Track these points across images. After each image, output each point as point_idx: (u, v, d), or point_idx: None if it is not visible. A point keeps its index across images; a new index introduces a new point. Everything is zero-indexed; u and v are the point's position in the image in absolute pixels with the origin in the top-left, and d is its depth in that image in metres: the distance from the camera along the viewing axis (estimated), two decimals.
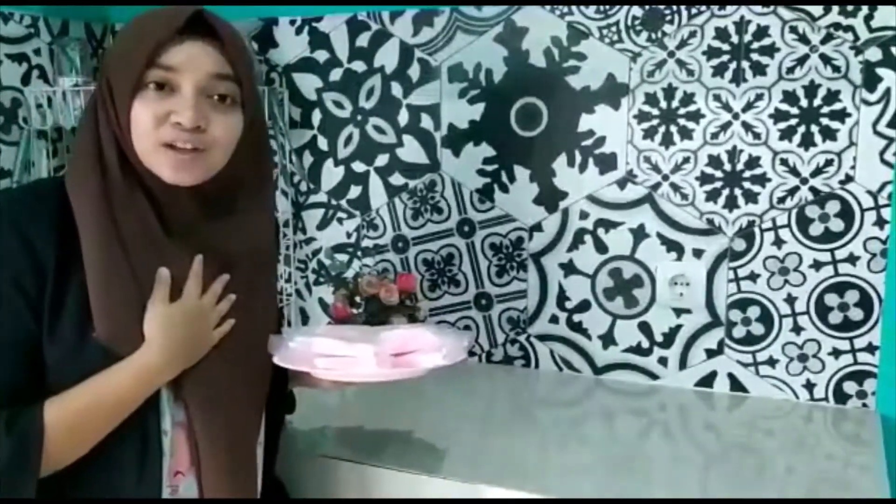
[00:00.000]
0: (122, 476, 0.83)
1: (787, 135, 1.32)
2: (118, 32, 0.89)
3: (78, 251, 0.81)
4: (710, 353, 1.42)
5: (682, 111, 1.38)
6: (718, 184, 1.37)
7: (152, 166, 0.83)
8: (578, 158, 1.45)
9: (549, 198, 1.48)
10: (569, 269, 1.49)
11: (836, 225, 1.31)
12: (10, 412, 0.77)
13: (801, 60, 1.30)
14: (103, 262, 0.81)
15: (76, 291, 0.81)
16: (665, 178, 1.40)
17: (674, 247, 1.42)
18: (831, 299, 1.33)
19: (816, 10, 1.28)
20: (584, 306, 1.49)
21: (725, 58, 1.34)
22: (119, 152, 0.84)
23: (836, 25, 1.27)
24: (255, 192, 0.93)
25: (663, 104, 1.39)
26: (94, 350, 0.81)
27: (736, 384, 1.41)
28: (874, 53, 1.26)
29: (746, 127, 1.34)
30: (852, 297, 1.32)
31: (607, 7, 1.39)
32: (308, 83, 1.62)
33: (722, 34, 1.33)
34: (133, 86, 0.81)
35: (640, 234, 1.43)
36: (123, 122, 0.82)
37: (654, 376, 1.47)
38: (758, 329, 1.38)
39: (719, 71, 1.34)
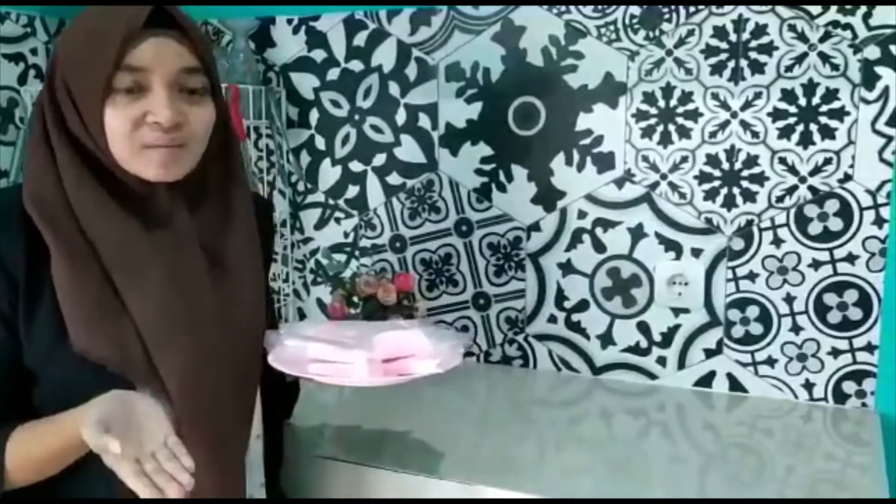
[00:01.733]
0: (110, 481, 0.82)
1: (785, 133, 1.32)
2: (68, 29, 0.83)
3: (47, 252, 0.79)
4: (709, 353, 1.42)
5: (680, 110, 1.37)
6: (717, 183, 1.37)
7: (134, 168, 0.81)
8: (576, 158, 1.45)
9: (547, 197, 1.48)
10: (567, 268, 1.49)
11: (835, 224, 1.31)
12: None
13: (800, 59, 1.29)
14: (71, 276, 0.79)
15: (49, 298, 0.79)
16: (663, 177, 1.40)
17: (672, 246, 1.41)
18: (830, 299, 1.33)
19: (815, 8, 1.27)
20: (582, 306, 1.49)
21: (724, 56, 1.33)
22: (78, 156, 0.81)
23: (835, 24, 1.27)
24: (228, 172, 0.91)
25: (661, 103, 1.38)
26: (72, 355, 0.79)
27: (735, 384, 1.41)
28: (873, 52, 1.25)
29: (745, 126, 1.34)
30: (851, 296, 1.32)
31: (605, 6, 1.39)
32: (305, 82, 1.61)
33: (720, 32, 1.33)
34: (103, 92, 0.78)
35: (638, 233, 1.43)
36: (93, 127, 0.80)
37: (652, 376, 1.46)
38: (756, 329, 1.38)
39: (717, 69, 1.34)
